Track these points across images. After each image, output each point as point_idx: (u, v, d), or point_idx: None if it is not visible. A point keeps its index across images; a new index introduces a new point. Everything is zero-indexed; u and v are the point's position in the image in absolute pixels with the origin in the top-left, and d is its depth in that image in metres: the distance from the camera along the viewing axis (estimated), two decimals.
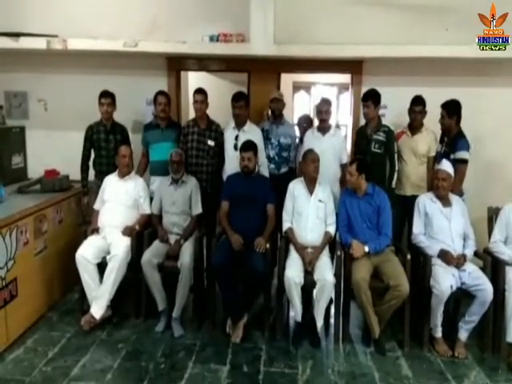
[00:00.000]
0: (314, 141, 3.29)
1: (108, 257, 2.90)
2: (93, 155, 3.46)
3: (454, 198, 2.97)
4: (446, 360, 2.69)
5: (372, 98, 3.19)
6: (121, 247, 2.91)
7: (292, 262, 2.85)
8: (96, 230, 3.05)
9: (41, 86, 3.87)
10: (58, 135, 3.94)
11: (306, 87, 6.07)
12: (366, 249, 2.79)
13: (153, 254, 2.93)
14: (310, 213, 2.98)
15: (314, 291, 2.83)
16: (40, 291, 3.00)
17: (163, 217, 3.18)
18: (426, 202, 2.96)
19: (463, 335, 2.77)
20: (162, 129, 3.38)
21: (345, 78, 5.42)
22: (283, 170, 3.48)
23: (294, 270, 2.77)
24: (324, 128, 3.30)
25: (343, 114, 5.83)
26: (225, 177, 3.38)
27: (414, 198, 3.13)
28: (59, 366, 2.49)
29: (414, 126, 3.32)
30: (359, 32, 3.55)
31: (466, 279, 2.69)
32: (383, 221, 2.90)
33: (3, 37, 3.48)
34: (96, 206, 3.22)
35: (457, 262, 2.74)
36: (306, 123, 3.68)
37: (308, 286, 2.81)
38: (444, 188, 2.89)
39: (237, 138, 3.31)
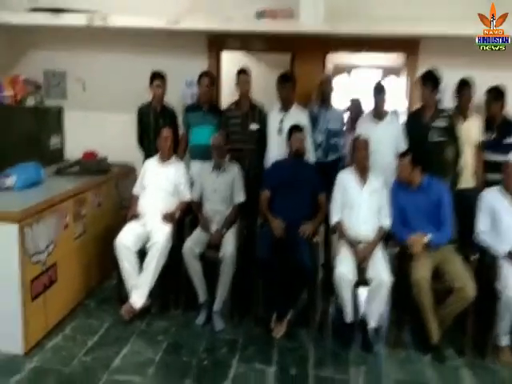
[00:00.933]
0: (368, 128, 3.00)
1: (148, 244, 2.75)
2: None
3: None
4: None
5: (431, 80, 2.86)
6: (161, 234, 2.75)
7: (343, 257, 2.61)
8: (135, 216, 2.91)
9: (79, 64, 3.74)
10: (96, 116, 3.81)
11: (348, 70, 5.71)
12: (426, 239, 2.52)
13: (194, 242, 2.76)
14: (362, 205, 2.72)
15: (362, 289, 2.59)
16: (78, 277, 2.89)
17: (204, 204, 3.00)
18: (494, 198, 2.66)
19: None
20: (203, 111, 3.19)
21: (389, 60, 5.10)
22: (331, 157, 3.23)
23: (345, 266, 2.54)
24: (380, 114, 3.00)
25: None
26: (266, 164, 3.17)
27: (471, 191, 2.91)
28: (99, 356, 2.37)
29: (464, 111, 2.99)
30: (416, 7, 3.19)
31: None
32: (444, 215, 2.62)
33: (44, 12, 3.33)
34: (135, 191, 3.07)
35: None
36: (356, 108, 3.37)
37: (360, 285, 2.57)
38: None
39: (281, 121, 3.07)
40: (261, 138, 3.14)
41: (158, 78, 3.18)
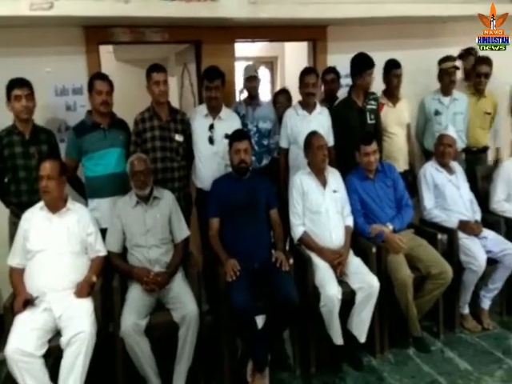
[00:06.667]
0: (299, 121, 2.56)
1: (64, 338, 1.70)
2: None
3: (453, 164, 2.67)
4: (481, 335, 2.40)
5: (373, 63, 2.56)
6: (83, 318, 1.74)
7: (324, 274, 2.12)
8: (29, 302, 1.77)
9: None
10: None
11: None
12: (390, 227, 2.29)
13: (136, 313, 1.84)
14: (329, 208, 2.27)
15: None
16: None
17: (132, 255, 2.07)
18: (433, 173, 2.61)
19: (487, 304, 2.52)
20: (104, 129, 2.18)
21: (261, 51, 4.86)
22: (265, 161, 2.67)
23: (333, 285, 2.07)
24: (309, 104, 2.57)
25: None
26: (198, 183, 2.44)
27: (406, 173, 2.81)
28: None
29: (394, 94, 2.83)
30: None
31: (490, 246, 2.42)
32: (401, 193, 2.46)
33: None
34: (15, 262, 1.89)
35: (478, 230, 2.44)
36: (283, 100, 2.85)
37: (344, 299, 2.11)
38: (450, 155, 2.60)
39: (212, 128, 2.36)
40: (187, 151, 2.36)
41: (21, 85, 2.01)
